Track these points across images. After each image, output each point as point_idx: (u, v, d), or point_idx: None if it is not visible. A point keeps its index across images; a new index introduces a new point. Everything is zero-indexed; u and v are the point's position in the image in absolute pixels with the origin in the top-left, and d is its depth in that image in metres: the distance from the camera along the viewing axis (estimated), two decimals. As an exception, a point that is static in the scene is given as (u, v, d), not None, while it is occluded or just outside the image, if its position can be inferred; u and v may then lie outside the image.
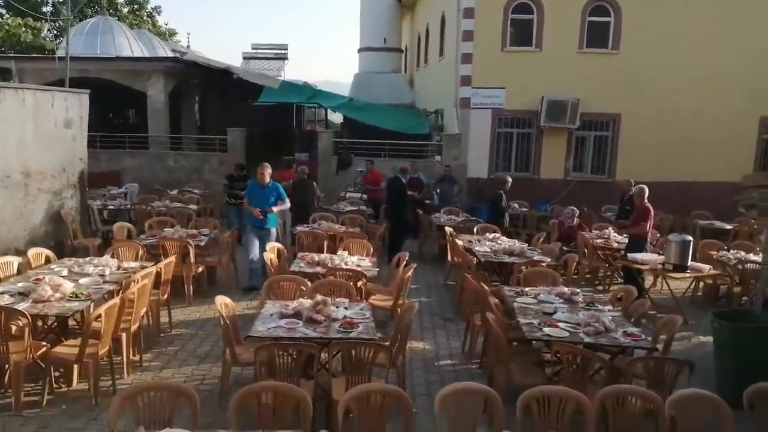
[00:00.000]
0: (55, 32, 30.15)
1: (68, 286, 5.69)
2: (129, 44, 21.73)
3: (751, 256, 8.96)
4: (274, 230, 8.76)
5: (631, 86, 14.78)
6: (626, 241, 9.80)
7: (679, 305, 8.39)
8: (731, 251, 9.51)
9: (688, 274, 8.44)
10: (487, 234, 9.91)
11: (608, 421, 4.07)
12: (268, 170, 8.53)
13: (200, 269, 8.54)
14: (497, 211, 11.09)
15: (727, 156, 14.56)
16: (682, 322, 5.93)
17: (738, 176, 13.28)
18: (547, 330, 5.35)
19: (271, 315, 5.37)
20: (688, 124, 14.79)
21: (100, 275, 6.35)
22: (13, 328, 5.10)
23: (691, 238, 8.46)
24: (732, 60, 14.62)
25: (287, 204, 8.78)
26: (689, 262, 8.32)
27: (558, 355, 5.22)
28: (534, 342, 5.72)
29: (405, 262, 7.58)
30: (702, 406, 4.00)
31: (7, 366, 5.06)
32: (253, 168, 11.93)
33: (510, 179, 11.28)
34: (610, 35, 14.99)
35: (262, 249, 8.26)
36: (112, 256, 7.32)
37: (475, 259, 8.53)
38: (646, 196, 8.90)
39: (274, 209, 8.50)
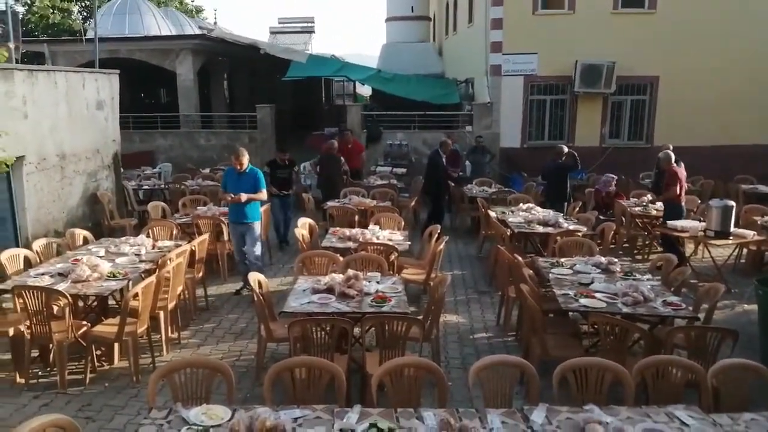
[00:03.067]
0: (84, 13, 30.44)
1: (106, 266, 5.80)
2: (157, 23, 21.87)
3: (798, 221, 8.64)
4: (256, 225, 7.52)
5: (670, 47, 14.22)
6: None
7: (722, 273, 8.15)
8: (776, 216, 9.17)
9: (730, 241, 8.18)
10: (521, 204, 9.74)
11: (648, 392, 3.99)
12: (244, 158, 7.33)
13: (234, 246, 8.62)
14: (560, 187, 9.94)
15: (771, 117, 14.00)
16: (724, 290, 5.75)
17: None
18: (583, 301, 5.24)
19: (304, 290, 5.39)
20: (729, 85, 14.21)
21: (136, 255, 6.46)
22: (55, 308, 5.23)
23: (733, 203, 8.17)
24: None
25: (264, 194, 7.53)
26: (732, 228, 8.05)
27: (595, 326, 5.13)
28: (570, 313, 5.64)
29: (437, 235, 7.51)
30: (746, 375, 3.91)
31: (50, 345, 5.21)
32: (293, 148, 11.75)
33: (566, 149, 10.21)
34: (647, -6, 14.40)
35: (249, 244, 7.47)
36: (148, 236, 7.43)
37: (508, 230, 8.40)
38: (673, 159, 8.74)
39: (243, 197, 7.17)
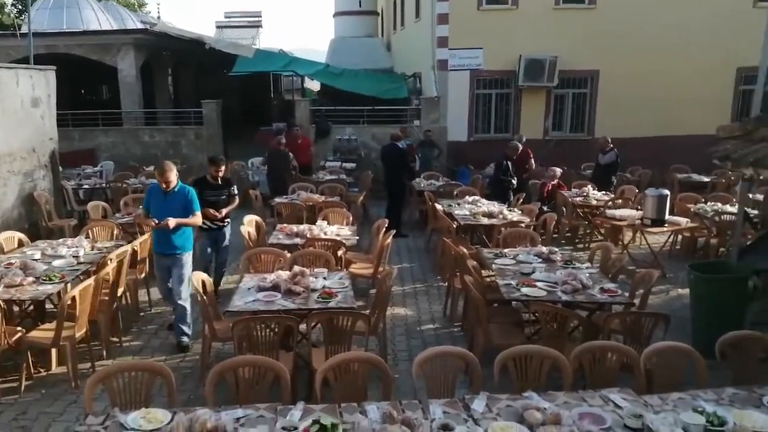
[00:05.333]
0: (18, 7, 29.13)
1: (41, 269, 5.61)
2: (96, 17, 21.14)
3: (728, 208, 9.04)
4: (187, 257, 6.08)
5: (609, 42, 14.61)
6: (606, 198, 9.96)
7: (658, 259, 8.48)
8: (708, 203, 9.59)
9: (665, 228, 8.53)
10: (467, 197, 9.88)
11: (586, 376, 4.13)
12: (171, 173, 5.85)
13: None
14: (497, 178, 10.33)
15: (706, 109, 14.54)
16: (659, 275, 5.99)
17: (716, 129, 13.31)
18: (525, 290, 5.38)
19: (249, 289, 5.35)
20: (666, 78, 14.72)
21: (74, 256, 6.26)
22: (-13, 314, 5.02)
23: (667, 192, 8.52)
24: (708, 12, 14.50)
25: (198, 218, 6.14)
26: (667, 216, 8.39)
27: (536, 314, 5.27)
28: (513, 303, 5.77)
29: (384, 229, 7.55)
30: (676, 357, 4.08)
31: (-18, 353, 5.01)
32: (241, 143, 10.33)
33: (519, 146, 10.43)
34: (586, -10, 14.77)
35: (176, 281, 6.04)
36: (87, 237, 7.22)
37: (455, 222, 8.52)
38: (519, 150, 10.32)
39: (171, 222, 5.74)
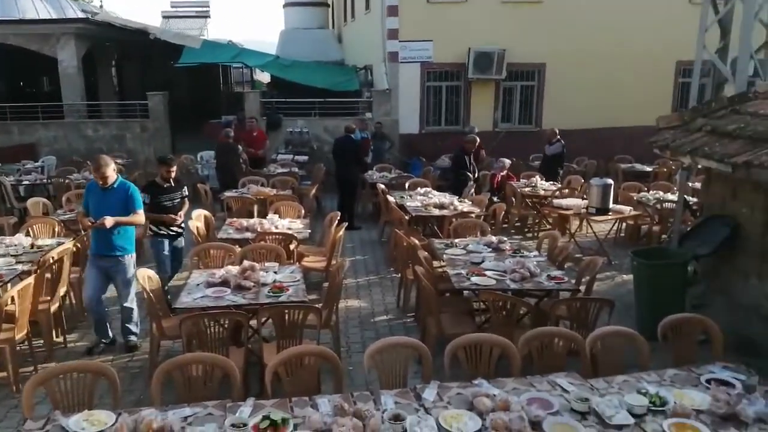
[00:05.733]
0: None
1: (-24, 270, 5.37)
2: (34, 5, 20.28)
3: (669, 196, 9.37)
4: (128, 259, 5.68)
5: (555, 35, 14.89)
6: (553, 188, 10.18)
7: (603, 247, 8.73)
8: (650, 192, 9.92)
9: (610, 217, 8.78)
10: (419, 189, 9.94)
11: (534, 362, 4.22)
12: (108, 168, 5.45)
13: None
14: (454, 172, 10.36)
15: (648, 101, 15.01)
16: (605, 262, 6.17)
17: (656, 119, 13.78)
18: (474, 279, 5.46)
19: (198, 285, 5.26)
20: (609, 71, 15.10)
21: (12, 255, 6.02)
22: None
23: (611, 181, 8.78)
24: (649, 7, 14.96)
25: (140, 217, 5.72)
26: (611, 205, 8.65)
27: (486, 303, 5.35)
28: (465, 292, 5.85)
29: (337, 222, 7.53)
30: (620, 341, 4.21)
31: None
32: (190, 136, 9.84)
33: (477, 139, 10.46)
34: (533, -16, 15.00)
35: (121, 286, 5.73)
36: (27, 234, 6.95)
37: (407, 214, 8.56)
38: (477, 143, 10.34)
39: (108, 222, 5.30)
